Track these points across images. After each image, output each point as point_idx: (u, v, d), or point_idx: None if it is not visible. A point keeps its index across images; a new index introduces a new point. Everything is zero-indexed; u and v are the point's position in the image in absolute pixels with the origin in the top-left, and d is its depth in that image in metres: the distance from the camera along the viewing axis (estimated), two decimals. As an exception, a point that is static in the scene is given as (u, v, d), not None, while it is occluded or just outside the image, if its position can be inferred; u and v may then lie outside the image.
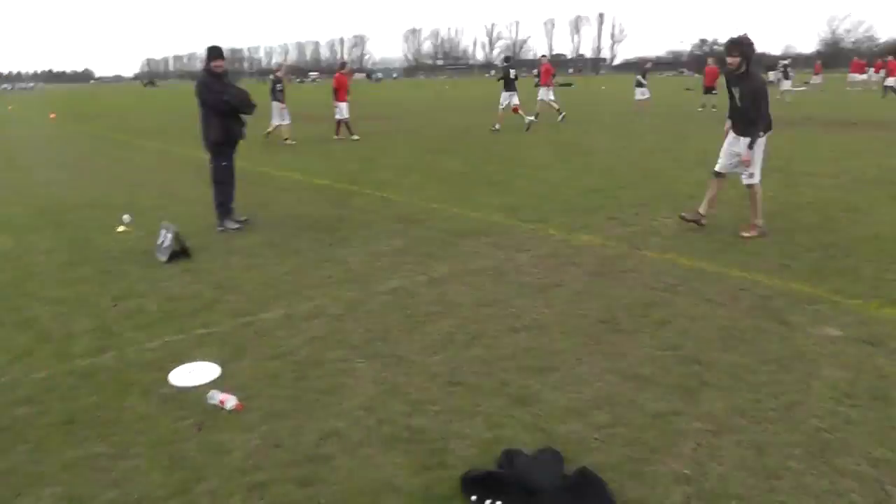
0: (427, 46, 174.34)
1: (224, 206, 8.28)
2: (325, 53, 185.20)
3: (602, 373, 4.23)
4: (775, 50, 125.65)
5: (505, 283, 5.94)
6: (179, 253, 6.90)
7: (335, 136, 18.64)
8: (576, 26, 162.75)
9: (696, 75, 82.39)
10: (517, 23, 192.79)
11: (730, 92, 7.57)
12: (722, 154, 7.73)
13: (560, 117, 22.35)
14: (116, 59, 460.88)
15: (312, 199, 10.09)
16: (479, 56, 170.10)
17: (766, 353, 4.54)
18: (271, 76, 18.90)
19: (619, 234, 7.59)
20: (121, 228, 8.34)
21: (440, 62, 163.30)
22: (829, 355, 4.52)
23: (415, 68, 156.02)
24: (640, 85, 26.23)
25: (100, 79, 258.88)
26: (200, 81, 8.10)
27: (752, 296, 5.62)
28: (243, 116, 8.11)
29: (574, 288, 5.81)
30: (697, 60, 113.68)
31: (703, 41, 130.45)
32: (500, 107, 20.15)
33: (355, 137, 18.26)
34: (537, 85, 22.56)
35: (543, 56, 25.23)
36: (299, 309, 5.45)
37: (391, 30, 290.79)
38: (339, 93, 18.43)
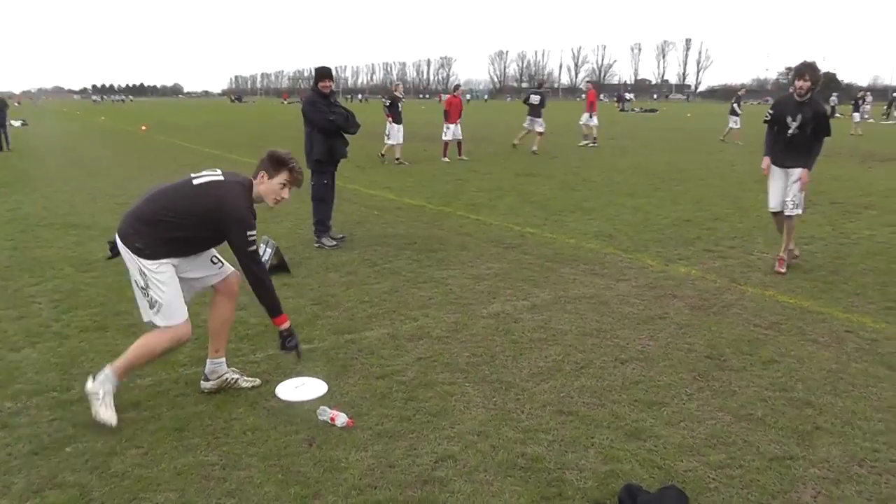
0: (513, 69, 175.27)
1: (322, 224, 8.56)
2: (411, 74, 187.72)
3: (713, 410, 4.25)
4: (862, 81, 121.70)
5: (607, 313, 6.01)
6: (278, 267, 7.15)
7: (458, 157, 18.87)
8: (662, 51, 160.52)
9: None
10: (604, 46, 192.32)
11: (782, 121, 7.29)
12: (773, 192, 7.50)
13: (591, 143, 22.77)
14: (205, 75, 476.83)
15: (407, 218, 10.33)
16: (565, 79, 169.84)
17: (879, 399, 4.49)
18: (387, 97, 19.22)
19: (717, 268, 7.56)
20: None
21: (525, 84, 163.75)
22: (946, 406, 4.44)
23: (500, 90, 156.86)
24: (733, 113, 25.98)
25: (188, 94, 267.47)
26: (308, 100, 8.43)
27: (859, 339, 5.55)
28: (347, 136, 8.38)
29: (677, 321, 5.83)
30: (782, 89, 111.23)
31: (789, 69, 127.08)
32: (537, 130, 20.33)
33: (445, 160, 18.53)
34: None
35: (589, 82, 25.62)
36: (402, 329, 5.61)
37: (478, 51, 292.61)
38: (451, 114, 18.76)
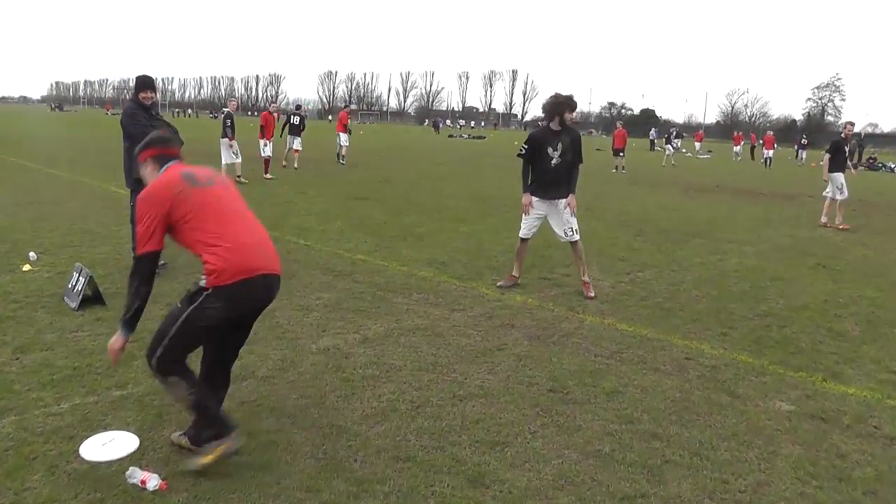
0: (342, 90, 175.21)
1: None
2: (240, 90, 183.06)
3: (559, 448, 4.07)
4: (678, 118, 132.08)
5: (443, 346, 5.75)
6: (92, 299, 6.37)
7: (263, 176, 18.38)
8: (489, 80, 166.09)
9: (604, 136, 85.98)
10: (432, 73, 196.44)
11: (543, 152, 7.50)
12: (531, 223, 7.77)
13: (341, 161, 24.46)
14: (23, 78, 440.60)
15: None
16: (393, 103, 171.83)
17: (724, 427, 4.51)
18: (224, 111, 18.79)
19: (553, 296, 7.54)
20: (26, 267, 7.67)
21: (353, 106, 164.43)
22: (785, 431, 4.54)
23: (329, 110, 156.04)
24: None
25: (4, 99, 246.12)
26: (128, 111, 7.68)
27: (699, 366, 5.63)
28: None
29: (516, 352, 5.67)
30: (604, 122, 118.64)
31: (612, 104, 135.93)
32: (295, 147, 22.05)
33: (268, 176, 18.37)
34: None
35: (345, 105, 27.57)
36: None
37: (308, 70, 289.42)
38: (267, 130, 19.19)
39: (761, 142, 45.93)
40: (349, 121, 26.17)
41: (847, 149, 15.49)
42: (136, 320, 3.57)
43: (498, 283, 7.78)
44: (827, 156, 15.17)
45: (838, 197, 14.90)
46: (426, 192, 17.17)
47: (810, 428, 4.63)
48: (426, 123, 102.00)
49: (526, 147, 7.59)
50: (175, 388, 3.59)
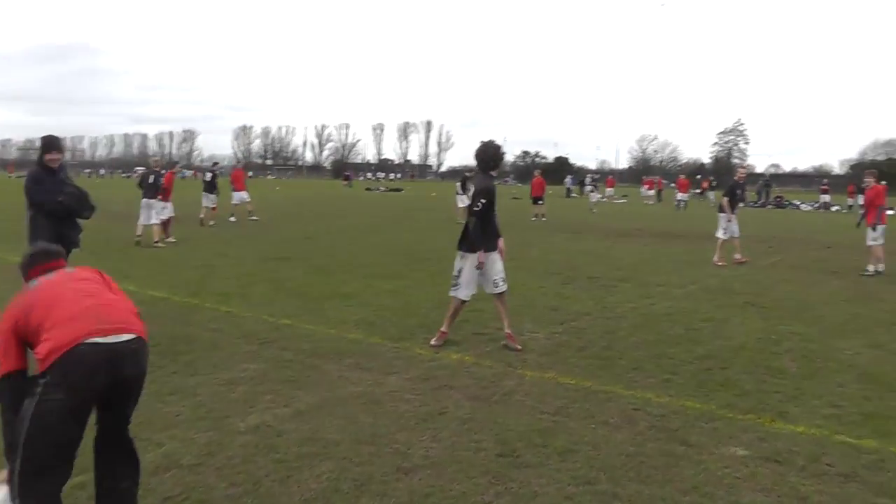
0: (257, 144, 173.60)
1: None
2: (153, 146, 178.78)
3: (518, 518, 3.86)
4: (591, 164, 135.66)
5: (381, 414, 5.48)
6: None
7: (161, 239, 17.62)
8: (404, 132, 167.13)
9: (519, 184, 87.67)
10: (347, 125, 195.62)
11: (493, 203, 7.48)
12: (473, 280, 7.59)
13: (230, 218, 23.70)
14: None
15: (149, 314, 8.94)
16: (309, 157, 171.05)
17: (683, 480, 4.41)
18: (144, 169, 19.29)
19: (490, 352, 7.38)
20: None
21: (269, 161, 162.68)
22: (744, 479, 4.48)
23: (245, 166, 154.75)
24: (460, 192, 27.65)
25: None
26: (32, 177, 7.28)
27: (647, 416, 5.55)
28: (80, 221, 7.33)
29: (459, 416, 5.46)
30: (519, 171, 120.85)
31: (526, 153, 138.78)
32: (210, 205, 22.60)
33: (171, 240, 17.54)
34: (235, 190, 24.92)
35: (238, 161, 27.70)
36: (145, 459, 4.57)
37: (222, 125, 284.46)
38: (168, 191, 18.24)
39: (674, 184, 47.65)
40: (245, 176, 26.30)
41: (739, 193, 16.30)
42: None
43: (431, 342, 7.58)
44: (726, 199, 15.71)
45: (721, 236, 15.48)
46: (349, 248, 16.90)
47: (767, 472, 4.59)
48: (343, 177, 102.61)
49: (483, 203, 7.37)
50: None
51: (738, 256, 15.35)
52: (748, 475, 4.53)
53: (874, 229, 14.53)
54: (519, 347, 7.48)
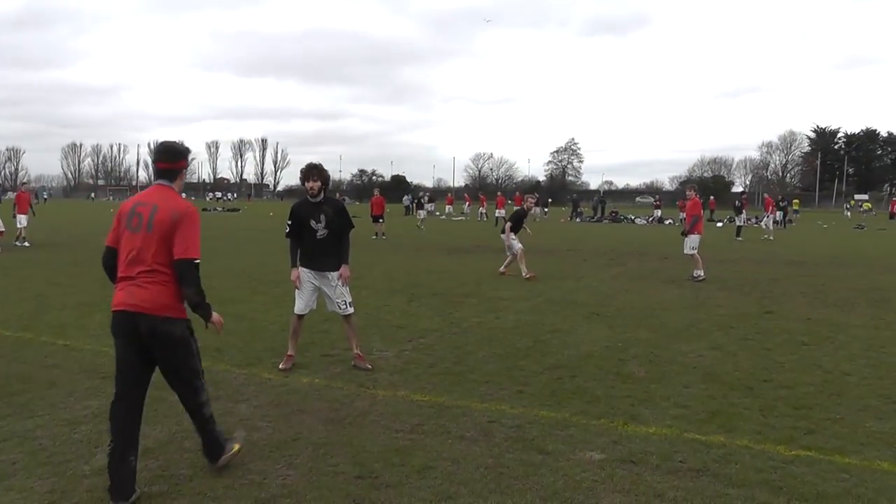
0: (87, 164, 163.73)
1: None
2: None
3: (381, 539, 3.82)
4: (428, 183, 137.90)
5: (231, 444, 5.28)
6: None
7: None
8: (239, 151, 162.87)
9: (357, 203, 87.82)
10: (181, 142, 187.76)
11: (307, 226, 7.43)
12: (305, 297, 7.58)
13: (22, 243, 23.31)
14: None
15: None
16: (143, 176, 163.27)
17: (543, 487, 4.54)
18: None
19: (340, 373, 7.31)
20: None
21: (101, 181, 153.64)
22: (601, 481, 4.67)
23: (75, 187, 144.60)
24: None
25: None
26: None
27: (503, 427, 5.68)
28: None
29: (313, 440, 5.36)
30: (356, 189, 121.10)
31: (363, 171, 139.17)
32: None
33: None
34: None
35: (23, 184, 28.98)
36: None
37: (49, 143, 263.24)
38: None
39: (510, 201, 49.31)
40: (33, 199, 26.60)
41: (525, 218, 17.18)
42: None
43: (280, 366, 7.42)
44: (509, 223, 16.49)
45: (515, 251, 16.05)
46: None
47: (624, 473, 4.80)
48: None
49: (290, 223, 7.43)
50: None
51: (504, 270, 16.34)
52: (605, 477, 4.72)
53: (686, 236, 15.87)
54: (369, 367, 7.49)
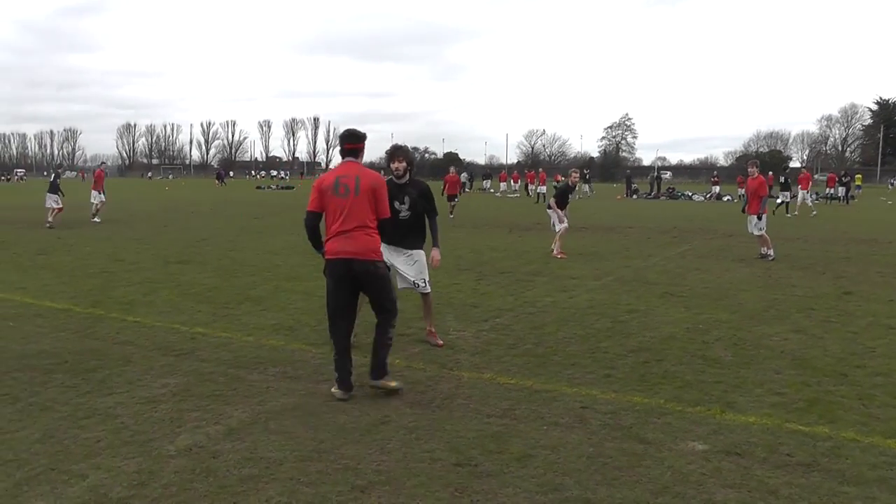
0: (142, 143, 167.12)
1: None
2: (33, 147, 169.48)
3: (492, 533, 3.67)
4: (480, 160, 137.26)
5: (321, 426, 5.17)
6: None
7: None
8: (291, 129, 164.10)
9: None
10: (234, 122, 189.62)
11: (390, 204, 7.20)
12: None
13: (95, 218, 24.25)
14: None
15: (51, 328, 8.28)
16: (196, 156, 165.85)
17: (651, 480, 4.34)
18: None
19: (419, 353, 7.19)
20: None
21: (155, 161, 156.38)
22: (710, 474, 4.45)
23: (130, 166, 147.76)
24: None
25: None
26: None
27: (597, 413, 5.49)
28: None
29: (403, 424, 5.23)
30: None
31: (416, 149, 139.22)
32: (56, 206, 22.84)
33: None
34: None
35: (102, 163, 29.85)
36: (68, 495, 4.13)
37: (104, 124, 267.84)
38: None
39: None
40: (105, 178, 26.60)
41: (570, 195, 16.55)
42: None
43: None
44: (553, 199, 16.08)
45: (557, 228, 15.67)
46: (250, 249, 16.34)
47: (732, 466, 4.57)
48: (229, 176, 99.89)
49: None
50: None
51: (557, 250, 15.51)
52: (713, 471, 4.49)
53: (759, 218, 15.17)
54: (440, 343, 7.46)
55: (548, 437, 4.99)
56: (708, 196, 50.55)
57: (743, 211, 16.09)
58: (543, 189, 44.29)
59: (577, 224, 23.89)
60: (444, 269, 12.79)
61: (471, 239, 19.07)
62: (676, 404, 5.73)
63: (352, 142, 6.08)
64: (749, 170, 16.06)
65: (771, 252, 15.01)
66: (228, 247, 16.84)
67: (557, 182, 46.60)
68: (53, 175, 24.37)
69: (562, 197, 16.09)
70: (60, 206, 22.84)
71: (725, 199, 48.33)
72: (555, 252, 15.10)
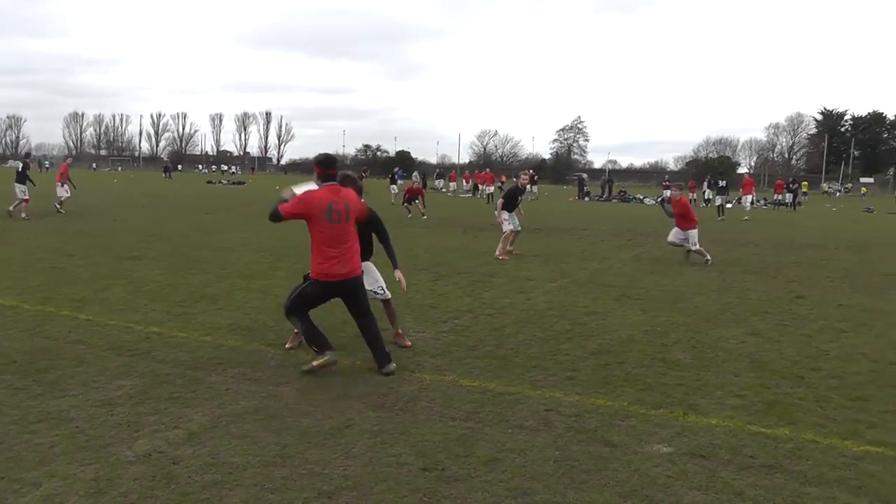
0: (90, 133, 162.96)
1: None
2: None
3: (461, 539, 3.61)
4: (432, 159, 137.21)
5: (283, 430, 5.05)
6: None
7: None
8: (243, 123, 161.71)
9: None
10: (185, 114, 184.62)
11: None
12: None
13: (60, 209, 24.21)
14: None
15: None
16: (146, 148, 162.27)
17: (619, 483, 4.34)
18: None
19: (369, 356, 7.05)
20: None
21: (104, 152, 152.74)
22: (677, 477, 4.48)
23: (77, 156, 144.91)
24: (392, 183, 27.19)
25: None
26: None
27: (562, 416, 5.48)
28: None
29: (368, 427, 5.14)
30: (359, 164, 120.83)
31: (367, 146, 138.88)
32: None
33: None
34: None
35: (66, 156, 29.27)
36: None
37: (51, 112, 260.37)
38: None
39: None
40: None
41: (520, 197, 16.34)
42: None
43: (286, 345, 7.33)
44: (501, 201, 15.97)
45: (504, 230, 15.64)
46: (203, 245, 16.01)
47: (697, 469, 4.60)
48: (177, 169, 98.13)
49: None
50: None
51: (510, 248, 15.59)
52: (679, 473, 4.51)
53: (690, 233, 15.31)
54: (408, 343, 7.45)
55: (514, 441, 4.95)
56: (659, 200, 51.17)
57: (670, 215, 15.91)
58: (491, 189, 44.54)
59: (531, 225, 23.96)
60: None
61: (426, 238, 19.00)
62: (640, 407, 5.74)
63: (333, 167, 6.66)
64: (673, 192, 15.72)
65: (708, 257, 15.02)
66: (181, 242, 16.50)
67: (502, 183, 46.87)
68: (22, 165, 23.94)
69: (509, 199, 15.94)
70: (27, 196, 22.30)
71: (676, 202, 48.94)
72: (497, 253, 15.09)
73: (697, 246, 15.22)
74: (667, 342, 7.92)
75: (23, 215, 21.40)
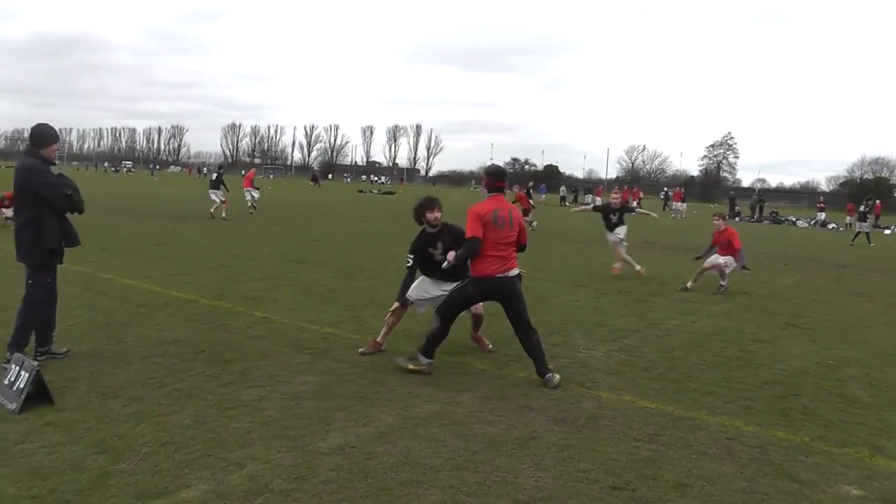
0: (246, 143, 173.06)
1: (42, 337, 6.66)
2: (141, 142, 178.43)
3: (662, 562, 3.65)
4: (578, 174, 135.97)
5: (470, 436, 5.24)
6: (37, 397, 5.49)
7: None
8: (393, 135, 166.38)
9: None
10: (336, 126, 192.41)
11: (426, 254, 7.66)
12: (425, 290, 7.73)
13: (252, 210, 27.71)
14: None
15: (182, 317, 8.71)
16: (297, 157, 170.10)
17: (813, 522, 4.20)
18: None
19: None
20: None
21: (258, 160, 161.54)
22: (871, 522, 4.27)
23: (232, 164, 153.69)
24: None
25: None
26: (33, 169, 6.40)
27: (746, 447, 5.39)
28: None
29: (552, 441, 5.25)
30: (510, 178, 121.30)
31: (515, 160, 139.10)
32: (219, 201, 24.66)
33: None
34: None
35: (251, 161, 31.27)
36: (229, 482, 4.34)
37: (210, 123, 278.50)
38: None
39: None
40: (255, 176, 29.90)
41: (612, 217, 15.31)
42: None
43: (360, 350, 7.48)
44: (589, 207, 15.34)
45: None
46: (362, 252, 16.61)
47: (892, 516, 4.41)
48: (325, 178, 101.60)
49: (410, 257, 7.62)
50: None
51: (617, 266, 15.06)
52: (874, 518, 4.36)
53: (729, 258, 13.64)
54: (490, 346, 7.82)
55: (700, 467, 4.92)
56: (812, 222, 48.71)
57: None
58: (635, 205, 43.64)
59: (685, 244, 23.39)
60: (561, 284, 12.76)
61: (581, 254, 18.94)
62: (823, 444, 5.56)
63: (502, 179, 6.95)
64: (715, 222, 14.42)
65: (725, 283, 13.72)
66: (341, 248, 17.15)
67: (639, 199, 45.59)
68: (216, 173, 26.49)
69: (603, 214, 15.46)
70: (224, 199, 24.49)
71: (831, 226, 46.47)
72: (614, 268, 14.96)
73: (729, 269, 13.53)
74: (841, 377, 7.59)
75: (223, 215, 23.80)
